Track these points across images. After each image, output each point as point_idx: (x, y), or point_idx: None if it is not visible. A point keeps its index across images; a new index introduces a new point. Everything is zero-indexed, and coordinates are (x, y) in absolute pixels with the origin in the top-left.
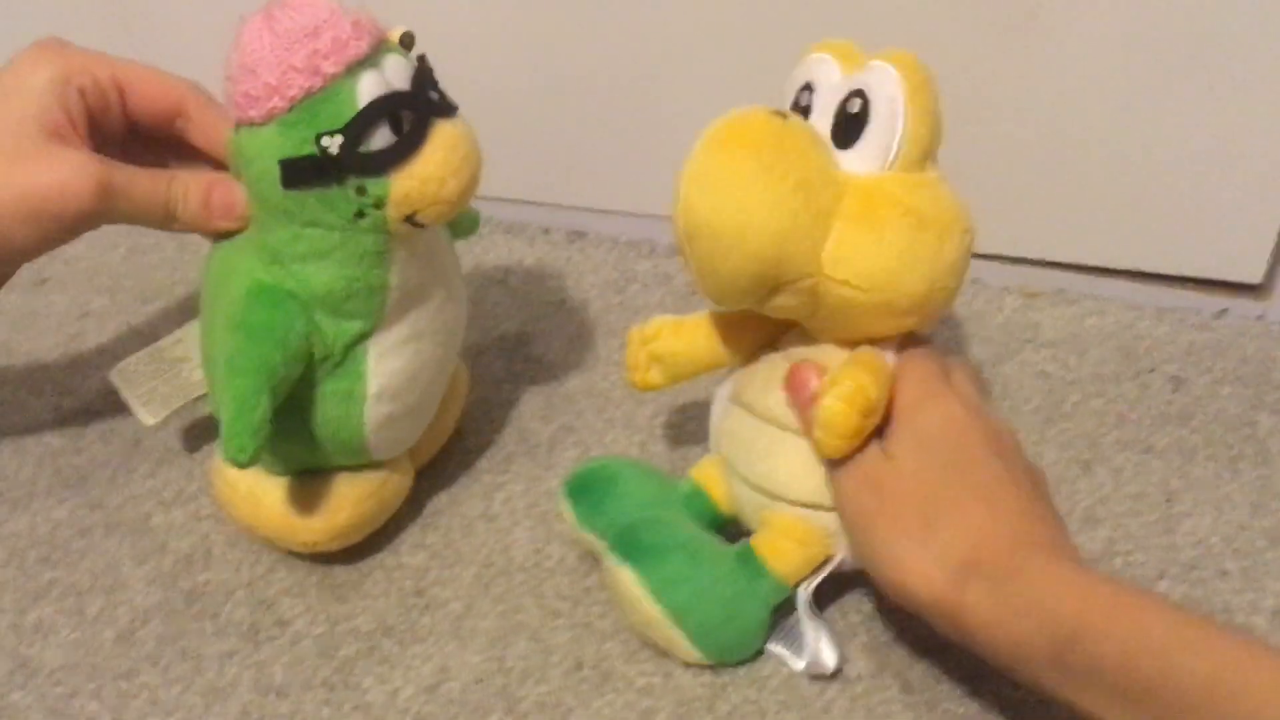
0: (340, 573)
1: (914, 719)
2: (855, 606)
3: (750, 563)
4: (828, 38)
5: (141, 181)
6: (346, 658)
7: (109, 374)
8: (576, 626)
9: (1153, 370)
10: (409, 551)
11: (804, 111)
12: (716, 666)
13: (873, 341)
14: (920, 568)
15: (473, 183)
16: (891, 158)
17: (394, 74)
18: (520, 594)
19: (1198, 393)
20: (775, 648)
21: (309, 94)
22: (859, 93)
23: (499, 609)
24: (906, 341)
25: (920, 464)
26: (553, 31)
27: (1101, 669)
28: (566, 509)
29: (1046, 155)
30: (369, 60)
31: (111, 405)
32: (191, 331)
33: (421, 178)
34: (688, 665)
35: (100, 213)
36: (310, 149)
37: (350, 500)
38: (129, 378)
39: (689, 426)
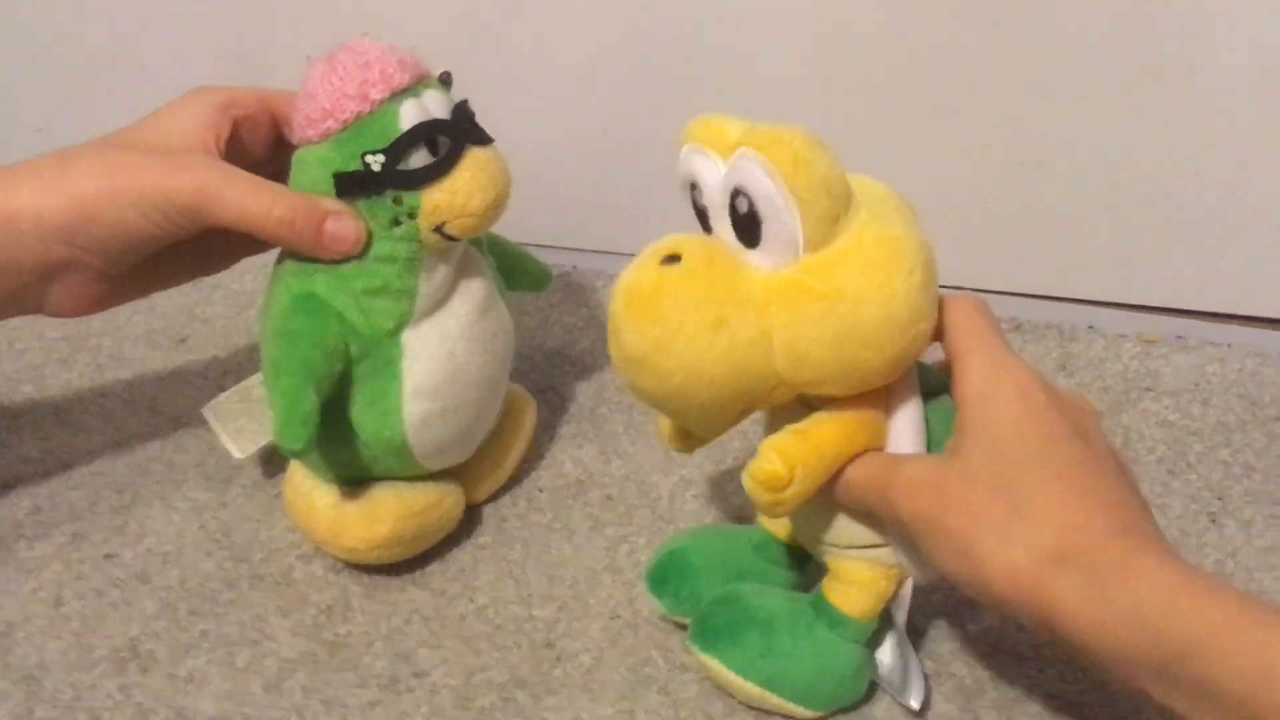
0: (474, 624)
1: None
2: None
3: (826, 612)
4: (706, 112)
5: (240, 190)
6: (483, 709)
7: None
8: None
9: (1279, 418)
10: (539, 604)
11: (703, 214)
12: (836, 713)
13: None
14: (1002, 558)
15: (498, 200)
16: (800, 245)
17: (432, 104)
18: (647, 647)
19: None
20: (882, 677)
21: (359, 116)
22: (739, 191)
23: (628, 662)
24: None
25: (992, 456)
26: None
27: (1216, 691)
28: (655, 602)
29: (1166, 201)
30: (411, 90)
31: (254, 461)
32: None
33: (449, 191)
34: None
35: (197, 207)
36: (358, 164)
37: (395, 513)
38: (221, 414)
39: None
